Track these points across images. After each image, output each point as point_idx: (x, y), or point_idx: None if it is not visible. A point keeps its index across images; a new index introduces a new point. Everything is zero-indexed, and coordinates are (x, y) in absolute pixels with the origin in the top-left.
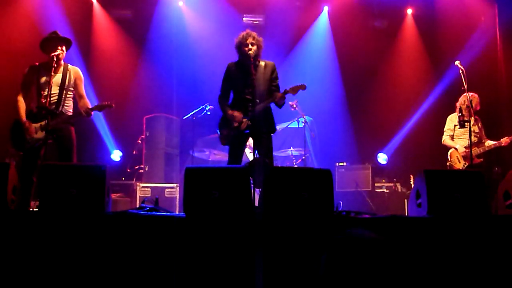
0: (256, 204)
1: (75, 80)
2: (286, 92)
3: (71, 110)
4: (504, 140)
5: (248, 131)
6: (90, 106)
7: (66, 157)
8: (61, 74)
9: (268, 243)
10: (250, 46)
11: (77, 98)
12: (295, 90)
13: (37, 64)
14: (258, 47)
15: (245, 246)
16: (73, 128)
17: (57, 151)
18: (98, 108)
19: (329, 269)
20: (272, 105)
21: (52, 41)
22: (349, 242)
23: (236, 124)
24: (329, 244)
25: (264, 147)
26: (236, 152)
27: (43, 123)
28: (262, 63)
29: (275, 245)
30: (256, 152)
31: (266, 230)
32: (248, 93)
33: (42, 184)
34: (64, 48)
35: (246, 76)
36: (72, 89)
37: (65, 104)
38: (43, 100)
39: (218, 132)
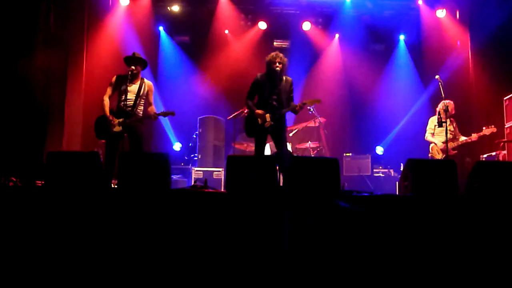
0: (281, 184)
1: (147, 91)
2: (304, 103)
3: (141, 113)
4: (474, 136)
5: (270, 129)
6: (156, 111)
7: (136, 147)
8: (137, 85)
9: (291, 211)
10: (277, 64)
11: (146, 104)
12: (311, 103)
13: (122, 74)
14: (283, 65)
15: (272, 212)
16: (144, 126)
17: (130, 142)
18: (163, 114)
19: (313, 232)
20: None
21: (130, 59)
22: (334, 210)
23: (260, 122)
24: (315, 210)
25: (282, 141)
26: (261, 144)
27: (121, 120)
28: (284, 78)
29: (296, 216)
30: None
31: (289, 200)
32: (273, 100)
33: (120, 167)
34: (138, 66)
35: (272, 87)
36: (145, 97)
37: (138, 108)
38: (122, 104)
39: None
